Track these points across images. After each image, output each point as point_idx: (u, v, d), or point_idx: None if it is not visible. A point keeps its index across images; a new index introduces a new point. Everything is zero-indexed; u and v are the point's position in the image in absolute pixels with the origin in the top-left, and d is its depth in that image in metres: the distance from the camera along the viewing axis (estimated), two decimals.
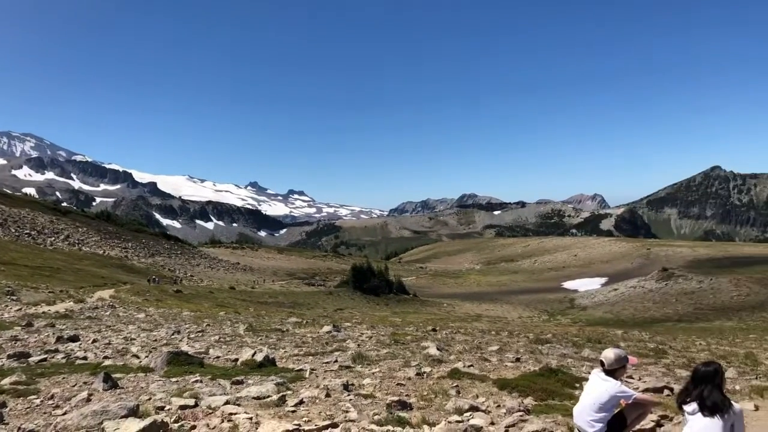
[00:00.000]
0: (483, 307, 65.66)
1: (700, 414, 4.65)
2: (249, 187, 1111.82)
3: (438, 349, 12.92)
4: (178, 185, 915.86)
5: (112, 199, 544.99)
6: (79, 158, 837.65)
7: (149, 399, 6.94)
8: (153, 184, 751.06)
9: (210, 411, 6.30)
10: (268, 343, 13.74)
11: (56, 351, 10.84)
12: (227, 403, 6.59)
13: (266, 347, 12.19)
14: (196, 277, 69.26)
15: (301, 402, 6.91)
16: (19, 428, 5.65)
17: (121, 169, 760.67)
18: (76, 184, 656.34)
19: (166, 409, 6.42)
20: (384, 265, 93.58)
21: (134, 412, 5.85)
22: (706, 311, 53.18)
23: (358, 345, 13.93)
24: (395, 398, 7.08)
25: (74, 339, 12.69)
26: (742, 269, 73.26)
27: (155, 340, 13.59)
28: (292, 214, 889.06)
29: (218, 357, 10.96)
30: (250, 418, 5.96)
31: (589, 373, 6.08)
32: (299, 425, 5.78)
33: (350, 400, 7.19)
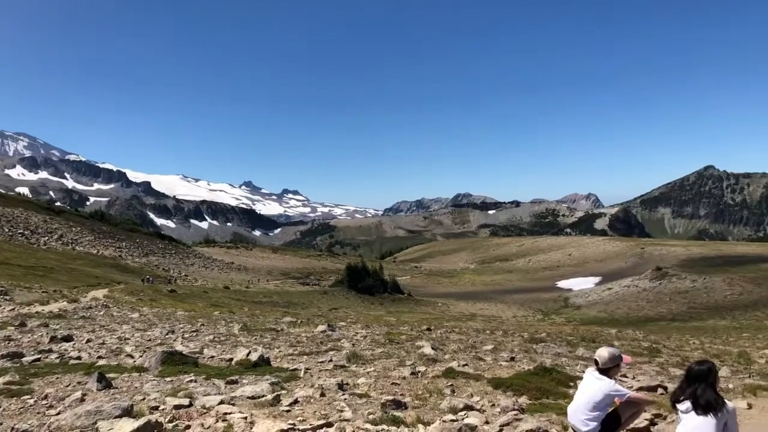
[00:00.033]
0: (477, 306, 65.73)
1: (693, 412, 4.68)
2: (243, 187, 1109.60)
3: (433, 348, 12.94)
4: (172, 185, 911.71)
5: (106, 199, 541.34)
6: (72, 157, 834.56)
7: (143, 399, 6.91)
8: (147, 184, 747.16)
9: (204, 411, 6.28)
10: (262, 343, 13.71)
11: (50, 351, 10.77)
12: (222, 402, 6.57)
13: (261, 347, 12.15)
14: (190, 276, 69.11)
15: (295, 401, 6.89)
16: (13, 428, 5.61)
17: (114, 169, 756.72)
18: (70, 183, 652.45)
19: (160, 408, 6.40)
20: (379, 264, 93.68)
21: (128, 412, 5.83)
22: (699, 310, 53.45)
23: (353, 344, 13.91)
24: (390, 397, 7.08)
25: (68, 339, 12.61)
26: (735, 268, 73.65)
27: (149, 340, 13.53)
28: (286, 213, 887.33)
29: (213, 357, 10.92)
30: (245, 418, 5.94)
31: (584, 371, 6.10)
32: (294, 425, 5.76)
33: (345, 399, 7.17)
